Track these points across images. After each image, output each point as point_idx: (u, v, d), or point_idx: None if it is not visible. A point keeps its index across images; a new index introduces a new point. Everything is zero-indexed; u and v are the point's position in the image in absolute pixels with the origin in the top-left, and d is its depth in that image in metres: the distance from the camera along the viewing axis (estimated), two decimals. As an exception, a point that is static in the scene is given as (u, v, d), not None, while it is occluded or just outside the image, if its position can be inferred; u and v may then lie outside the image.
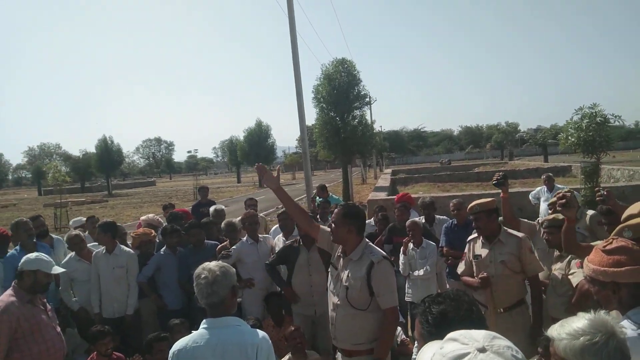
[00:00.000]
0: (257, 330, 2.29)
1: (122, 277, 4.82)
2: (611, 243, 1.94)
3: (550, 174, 9.14)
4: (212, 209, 6.70)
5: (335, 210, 3.13)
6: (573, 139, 10.44)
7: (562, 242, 3.05)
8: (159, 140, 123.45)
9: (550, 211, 4.29)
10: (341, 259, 3.12)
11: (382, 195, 16.58)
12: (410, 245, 5.03)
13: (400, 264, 5.09)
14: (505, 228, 3.75)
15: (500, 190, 4.30)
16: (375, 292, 2.90)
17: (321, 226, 3.39)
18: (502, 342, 1.10)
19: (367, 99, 21.99)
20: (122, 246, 5.01)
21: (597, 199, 3.98)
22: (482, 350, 1.07)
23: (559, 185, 8.30)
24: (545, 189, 8.68)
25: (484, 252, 3.69)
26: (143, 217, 6.46)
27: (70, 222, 6.73)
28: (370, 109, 31.67)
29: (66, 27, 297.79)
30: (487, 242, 3.70)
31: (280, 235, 5.20)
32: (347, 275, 2.98)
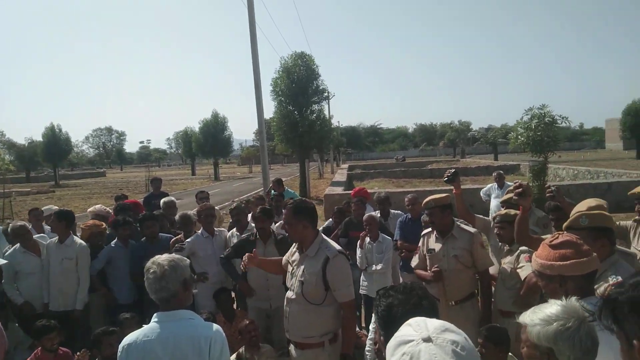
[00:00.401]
0: (211, 323, 2.24)
1: (71, 270, 4.60)
2: (557, 238, 2.02)
3: (501, 171, 9.48)
4: (162, 201, 6.52)
5: (285, 210, 3.13)
6: (523, 139, 10.91)
7: (515, 232, 3.15)
8: (110, 130, 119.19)
9: (502, 208, 4.44)
10: (296, 255, 3.13)
11: (339, 190, 16.72)
12: (367, 239, 5.08)
13: (357, 257, 5.13)
14: (458, 223, 3.84)
15: (452, 187, 4.40)
16: (331, 287, 2.91)
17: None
18: (449, 336, 1.11)
19: (326, 94, 22.03)
20: (75, 237, 4.79)
21: (547, 195, 4.13)
22: (427, 340, 1.08)
23: (508, 183, 8.61)
24: (496, 186, 8.97)
25: (437, 247, 3.78)
26: (90, 209, 6.18)
27: (44, 208, 6.35)
28: (329, 104, 31.87)
29: (13, 9, 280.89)
30: (440, 236, 3.78)
31: (234, 229, 5.12)
32: (302, 271, 2.98)
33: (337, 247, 3.07)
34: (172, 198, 6.68)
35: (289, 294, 3.09)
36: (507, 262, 3.56)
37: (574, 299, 1.46)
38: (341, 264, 2.95)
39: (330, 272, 2.89)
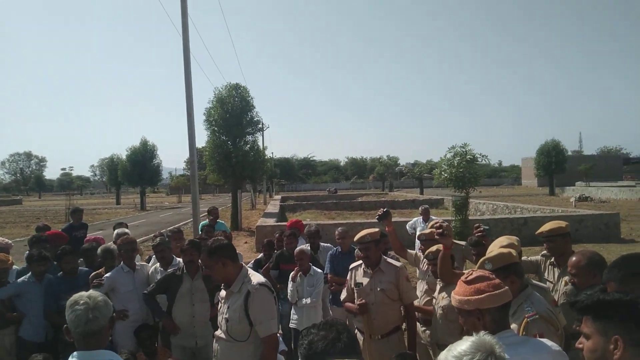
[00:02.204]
0: None
1: None
2: (471, 274, 2.15)
3: (427, 205, 9.88)
4: (117, 231, 5.99)
5: (201, 256, 3.09)
6: (446, 175, 11.56)
7: (438, 268, 3.28)
8: (29, 155, 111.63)
9: (420, 244, 4.59)
10: (222, 291, 3.09)
11: (271, 221, 16.63)
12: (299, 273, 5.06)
13: (288, 291, 5.08)
14: (385, 257, 3.93)
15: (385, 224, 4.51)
16: (253, 321, 2.82)
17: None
18: None
19: (260, 125, 22.10)
20: None
21: (477, 234, 4.21)
22: None
23: (433, 217, 9.01)
24: (421, 220, 9.31)
25: (365, 280, 3.84)
26: None
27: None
28: (263, 135, 31.92)
29: None
30: (368, 270, 3.85)
31: (157, 264, 4.88)
32: (227, 307, 2.94)
33: (261, 279, 2.99)
34: (126, 231, 6.07)
35: (217, 332, 3.02)
36: (444, 296, 3.56)
37: (482, 333, 1.55)
38: (263, 297, 2.86)
39: (251, 305, 2.81)
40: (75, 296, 2.09)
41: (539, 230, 3.79)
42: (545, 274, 3.74)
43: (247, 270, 3.05)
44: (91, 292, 2.15)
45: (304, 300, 4.94)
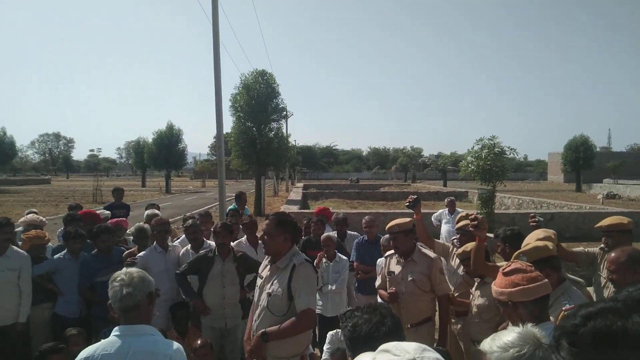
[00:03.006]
0: (172, 341, 2.19)
1: (12, 282, 4.31)
2: (509, 266, 2.15)
3: (453, 197, 9.78)
4: (148, 212, 6.18)
5: (267, 221, 3.04)
6: (473, 167, 11.40)
7: (472, 262, 3.27)
8: (57, 136, 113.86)
9: (457, 236, 4.59)
10: (266, 269, 3.09)
11: (294, 208, 16.73)
12: (324, 259, 5.11)
13: (311, 275, 5.13)
14: (420, 247, 3.91)
15: (413, 212, 4.49)
16: (293, 293, 2.85)
17: None
18: (432, 355, 1.16)
19: (285, 113, 22.13)
20: (15, 247, 4.49)
21: (532, 224, 4.24)
22: None
23: (459, 209, 8.91)
24: (447, 212, 9.22)
25: (397, 269, 3.85)
26: (22, 218, 5.70)
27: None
28: (287, 123, 31.91)
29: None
30: (401, 259, 3.86)
31: (189, 246, 4.96)
32: (272, 283, 2.95)
33: (305, 256, 3.05)
34: (157, 212, 6.32)
35: (257, 311, 2.99)
36: (481, 294, 3.53)
37: (529, 325, 1.54)
38: (307, 272, 2.92)
39: (295, 278, 2.86)
40: (116, 273, 2.18)
41: (599, 224, 3.76)
42: (601, 268, 3.68)
43: (296, 249, 3.09)
44: (130, 268, 2.22)
45: (329, 287, 5.00)
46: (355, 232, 6.17)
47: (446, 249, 4.38)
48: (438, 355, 1.17)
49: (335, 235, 5.79)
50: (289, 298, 2.87)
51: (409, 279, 3.74)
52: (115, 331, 2.08)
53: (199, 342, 3.77)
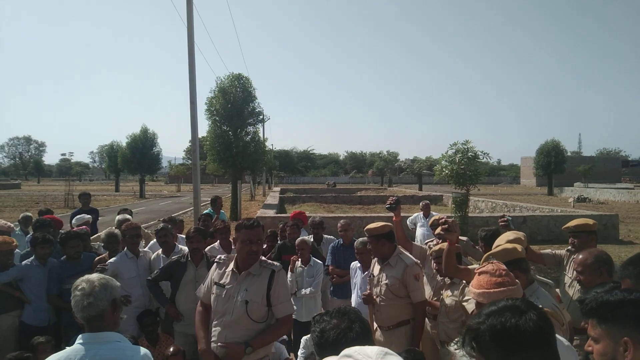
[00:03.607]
0: (139, 347, 2.14)
1: None
2: (483, 266, 2.17)
3: (428, 201, 9.89)
4: (119, 217, 6.02)
5: (256, 228, 3.00)
6: (447, 171, 11.56)
7: (443, 264, 3.31)
8: (28, 140, 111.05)
9: (432, 239, 4.66)
10: (228, 276, 3.02)
11: (271, 212, 16.66)
12: (298, 263, 5.09)
13: (287, 281, 5.11)
14: (400, 252, 3.84)
15: (393, 214, 4.48)
16: (273, 302, 2.89)
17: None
18: (394, 358, 1.16)
19: (261, 117, 22.02)
20: None
21: (501, 224, 4.43)
22: None
23: (433, 213, 9.02)
24: (422, 215, 9.32)
25: (376, 272, 3.87)
26: None
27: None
28: (263, 127, 31.79)
29: None
30: (380, 263, 3.86)
31: (160, 250, 4.89)
32: (246, 290, 2.91)
33: (276, 263, 3.08)
34: (128, 217, 6.16)
35: (227, 318, 2.92)
36: (450, 295, 3.59)
37: None
38: (284, 278, 3.03)
39: (275, 285, 2.91)
40: (77, 281, 2.11)
41: (566, 225, 3.91)
42: (567, 269, 3.81)
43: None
44: (91, 276, 2.13)
45: (303, 291, 4.98)
46: (332, 236, 6.17)
47: (424, 252, 4.39)
48: (400, 358, 1.16)
49: (312, 239, 5.79)
50: (267, 305, 2.89)
51: (384, 282, 3.74)
52: (79, 339, 2.02)
53: (171, 349, 3.70)
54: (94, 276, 2.13)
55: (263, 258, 3.10)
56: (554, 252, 4.10)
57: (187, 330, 4.13)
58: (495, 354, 1.24)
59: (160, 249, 4.90)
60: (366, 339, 1.56)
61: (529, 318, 1.23)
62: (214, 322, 3.00)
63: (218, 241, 5.36)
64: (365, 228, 3.90)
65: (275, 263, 3.07)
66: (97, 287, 2.06)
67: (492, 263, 2.21)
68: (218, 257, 3.24)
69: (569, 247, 3.90)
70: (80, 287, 2.06)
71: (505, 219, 4.44)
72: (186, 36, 10.28)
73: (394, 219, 4.28)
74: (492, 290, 2.01)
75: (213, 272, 3.14)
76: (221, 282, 3.04)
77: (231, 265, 3.05)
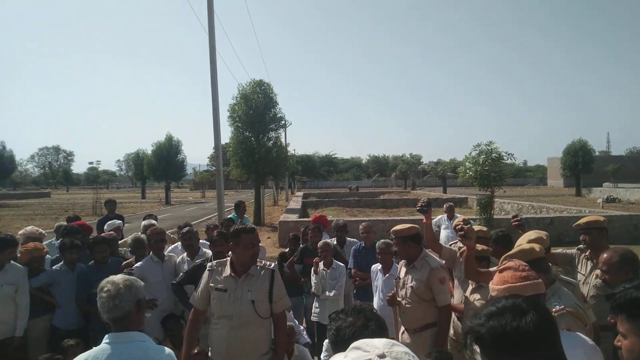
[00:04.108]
0: (163, 347, 2.19)
1: (9, 296, 4.30)
2: (504, 264, 2.15)
3: (452, 203, 9.79)
4: (144, 223, 6.18)
5: (249, 237, 3.20)
6: (471, 173, 11.41)
7: (463, 268, 3.28)
8: (57, 149, 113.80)
9: (455, 241, 4.65)
10: (227, 280, 3.17)
11: (294, 217, 16.73)
12: (321, 265, 5.11)
13: (312, 284, 5.13)
14: (425, 255, 3.79)
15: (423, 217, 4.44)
16: (274, 297, 3.16)
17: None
18: (401, 349, 1.16)
19: (283, 122, 22.21)
20: (13, 262, 4.45)
21: (514, 223, 4.45)
22: (382, 356, 1.12)
23: (457, 215, 8.92)
24: (446, 217, 9.23)
25: (402, 274, 3.86)
26: (21, 231, 5.68)
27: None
28: (285, 132, 31.98)
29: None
30: (406, 265, 3.85)
31: (185, 254, 4.98)
32: (250, 290, 3.11)
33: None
34: (153, 222, 6.28)
35: (236, 320, 3.09)
36: (479, 298, 3.50)
37: None
38: (280, 275, 3.33)
39: (276, 283, 3.18)
40: (102, 282, 2.16)
41: (577, 223, 3.88)
42: (579, 267, 3.82)
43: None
44: (115, 277, 2.17)
45: (326, 293, 4.99)
46: (355, 239, 6.15)
47: (454, 254, 4.27)
48: (407, 350, 1.17)
49: (335, 241, 5.80)
50: (269, 301, 3.15)
51: (409, 285, 3.71)
52: (106, 339, 2.08)
53: (195, 350, 3.75)
54: (119, 277, 2.17)
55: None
56: (565, 251, 4.10)
57: (212, 333, 4.19)
58: (497, 356, 1.22)
59: (185, 253, 4.98)
60: (382, 336, 1.56)
61: (530, 319, 1.20)
62: (217, 326, 3.17)
63: (179, 243, 5.41)
64: (392, 229, 3.87)
65: (269, 263, 3.31)
66: (122, 288, 2.11)
67: (512, 260, 2.18)
68: (209, 264, 3.37)
69: (580, 246, 3.90)
70: (105, 289, 2.10)
71: (519, 218, 4.41)
72: (207, 44, 10.46)
73: (423, 221, 4.19)
74: (518, 284, 1.98)
75: (208, 279, 3.25)
76: (221, 286, 3.17)
77: (228, 270, 3.20)
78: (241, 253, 3.15)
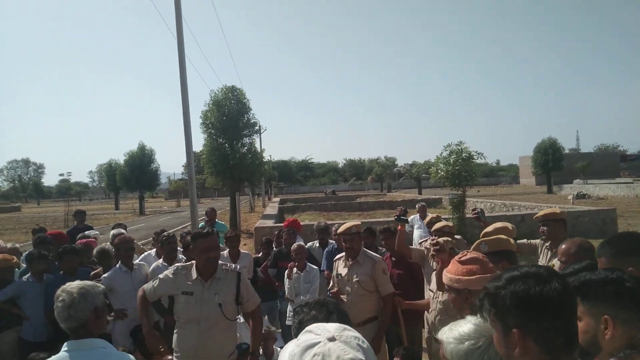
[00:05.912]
0: (125, 353, 2.15)
1: None
2: (465, 255, 2.19)
3: (424, 203, 9.93)
4: (113, 232, 6.09)
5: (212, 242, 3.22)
6: (442, 173, 11.58)
7: (436, 281, 3.37)
8: (27, 162, 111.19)
9: (425, 238, 4.82)
10: (196, 285, 3.17)
11: (270, 222, 16.62)
12: (295, 269, 5.09)
13: (285, 288, 5.11)
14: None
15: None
16: (243, 298, 3.23)
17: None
18: (351, 333, 1.17)
19: (257, 128, 22.13)
20: None
21: (473, 215, 4.69)
22: (331, 339, 1.13)
23: (429, 214, 9.04)
24: (418, 217, 9.37)
25: (344, 272, 4.08)
26: None
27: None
28: (260, 138, 31.93)
29: None
30: (348, 262, 4.08)
31: (160, 260, 4.92)
32: (216, 294, 3.14)
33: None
34: (122, 231, 6.20)
35: (203, 324, 3.11)
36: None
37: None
38: (246, 277, 3.40)
39: (243, 284, 3.24)
40: (58, 291, 2.11)
41: (536, 215, 4.12)
42: (541, 257, 4.04)
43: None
44: (71, 286, 2.12)
45: (301, 297, 4.97)
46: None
47: (422, 253, 4.43)
48: (357, 334, 1.18)
49: (318, 244, 5.83)
50: (236, 303, 3.22)
51: (354, 279, 3.95)
52: (65, 347, 2.04)
53: (168, 357, 3.67)
54: (75, 285, 2.12)
55: (220, 262, 3.29)
56: (529, 241, 4.33)
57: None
58: (513, 320, 1.23)
59: (161, 259, 4.93)
60: None
61: (554, 287, 1.21)
62: (184, 330, 3.16)
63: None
64: (345, 227, 4.09)
65: (234, 265, 3.38)
66: (77, 297, 2.06)
67: (472, 252, 2.23)
68: (175, 266, 3.36)
69: (543, 237, 4.11)
70: (60, 299, 2.07)
71: (477, 211, 4.57)
72: (177, 50, 10.34)
73: (399, 227, 4.34)
74: (488, 275, 2.02)
75: (172, 282, 3.24)
76: (187, 290, 3.17)
77: (194, 274, 3.20)
78: (198, 257, 3.16)
